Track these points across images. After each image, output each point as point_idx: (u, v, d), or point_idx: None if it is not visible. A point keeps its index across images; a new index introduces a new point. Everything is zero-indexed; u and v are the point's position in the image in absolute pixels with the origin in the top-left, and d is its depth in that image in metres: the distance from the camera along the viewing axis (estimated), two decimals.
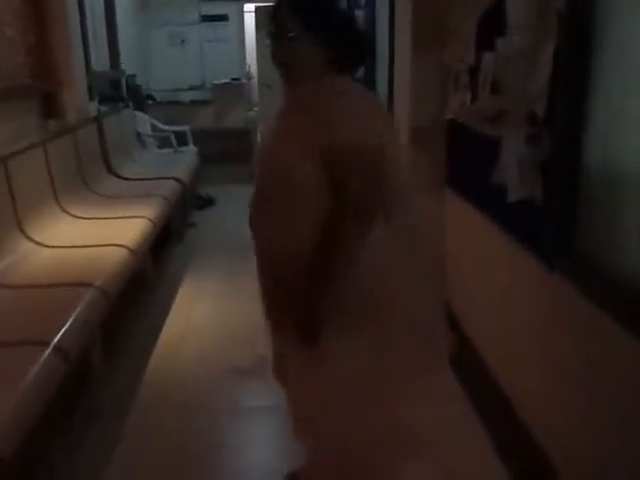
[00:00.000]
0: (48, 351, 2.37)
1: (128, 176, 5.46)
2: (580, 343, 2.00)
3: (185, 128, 7.23)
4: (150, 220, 4.15)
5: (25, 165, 3.77)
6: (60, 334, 2.48)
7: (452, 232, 3.62)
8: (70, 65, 4.91)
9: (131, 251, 3.55)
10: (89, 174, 4.84)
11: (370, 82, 6.30)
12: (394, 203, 1.55)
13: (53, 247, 3.55)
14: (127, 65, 7.15)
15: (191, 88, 8.36)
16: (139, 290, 3.99)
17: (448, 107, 3.31)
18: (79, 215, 4.17)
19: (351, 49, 1.58)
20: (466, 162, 3.26)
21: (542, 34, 2.10)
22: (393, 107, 4.55)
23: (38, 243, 3.55)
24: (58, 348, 2.40)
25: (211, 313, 3.91)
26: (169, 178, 5.36)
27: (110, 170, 5.39)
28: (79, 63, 5.18)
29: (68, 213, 4.14)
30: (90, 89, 5.59)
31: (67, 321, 2.60)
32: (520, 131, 2.28)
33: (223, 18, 8.35)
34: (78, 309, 2.74)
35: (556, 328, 2.18)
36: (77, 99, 5.04)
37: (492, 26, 2.63)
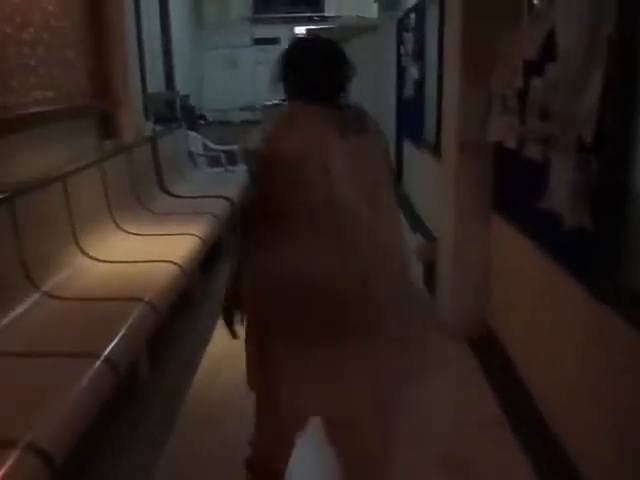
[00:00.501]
0: (98, 363, 2.45)
1: (180, 194, 5.60)
2: (625, 370, 1.96)
3: (235, 148, 7.38)
4: (200, 238, 4.24)
5: (82, 183, 3.93)
6: (110, 347, 2.56)
7: (498, 255, 3.60)
8: (127, 87, 5.10)
9: (181, 268, 3.65)
10: (143, 192, 4.99)
11: (418, 101, 6.34)
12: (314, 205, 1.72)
13: (107, 262, 3.67)
14: (181, 86, 7.37)
15: (242, 109, 8.55)
16: (187, 305, 4.08)
17: (494, 130, 3.31)
18: (132, 231, 4.30)
19: (303, 87, 1.91)
20: (513, 186, 3.24)
21: (591, 59, 2.09)
22: (442, 126, 4.57)
23: (93, 258, 3.68)
24: (108, 360, 2.49)
25: None
26: (219, 197, 5.47)
27: (163, 188, 5.54)
28: (136, 85, 5.37)
29: (122, 229, 4.28)
30: (146, 109, 5.78)
31: (117, 334, 2.69)
32: (569, 157, 2.27)
33: (274, 41, 8.53)
34: (128, 323, 2.83)
35: (602, 355, 2.15)
36: (133, 119, 5.23)
37: (542, 51, 2.63)
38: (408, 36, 7.24)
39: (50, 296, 3.10)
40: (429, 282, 4.41)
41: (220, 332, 3.87)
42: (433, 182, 5.14)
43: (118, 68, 5.01)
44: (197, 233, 4.30)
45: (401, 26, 7.93)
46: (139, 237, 4.23)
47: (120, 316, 2.88)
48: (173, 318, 3.71)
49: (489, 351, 3.57)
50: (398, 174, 8.56)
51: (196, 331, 3.90)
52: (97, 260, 3.67)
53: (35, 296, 3.04)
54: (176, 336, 3.77)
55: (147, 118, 5.86)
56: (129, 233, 4.27)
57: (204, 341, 3.73)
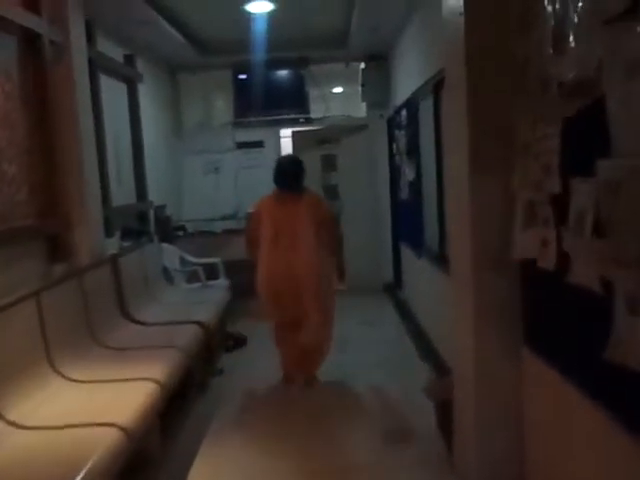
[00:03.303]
0: None
1: (146, 320, 4.82)
2: None
3: (217, 260, 6.68)
4: (159, 384, 3.42)
5: (9, 323, 3.16)
6: None
7: (533, 402, 2.80)
8: (83, 203, 4.45)
9: (125, 433, 2.81)
10: (98, 323, 4.20)
11: (416, 203, 5.72)
12: (271, 235, 4.54)
13: (30, 429, 2.83)
14: (157, 195, 6.75)
15: (224, 217, 7.89)
16: (139, 474, 3.21)
17: (517, 244, 2.60)
18: (75, 378, 3.48)
19: (277, 182, 4.65)
20: (554, 316, 2.48)
21: None
22: (445, 231, 3.88)
23: (12, 423, 2.85)
24: None
25: None
26: (191, 322, 4.70)
27: (125, 314, 4.76)
28: (94, 200, 4.71)
29: (62, 376, 3.46)
30: (109, 225, 5.11)
31: None
32: None
33: (258, 144, 8.05)
34: None
35: None
36: (90, 238, 4.53)
37: (585, 142, 1.96)
38: (400, 134, 6.73)
39: None
40: (443, 426, 3.57)
41: None
42: (441, 297, 4.40)
43: (71, 183, 4.36)
44: (156, 377, 3.48)
45: (392, 124, 7.46)
46: (82, 385, 3.40)
47: None
48: None
49: None
50: (397, 281, 7.84)
51: None
52: (17, 427, 2.83)
53: None
54: None
55: (110, 234, 5.17)
56: (71, 380, 3.44)
57: None
